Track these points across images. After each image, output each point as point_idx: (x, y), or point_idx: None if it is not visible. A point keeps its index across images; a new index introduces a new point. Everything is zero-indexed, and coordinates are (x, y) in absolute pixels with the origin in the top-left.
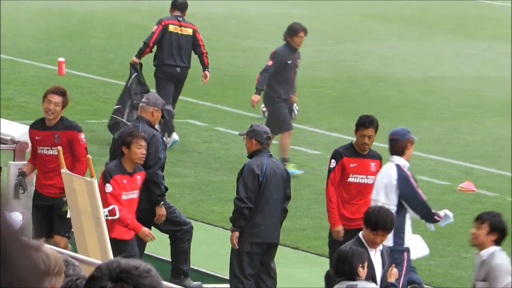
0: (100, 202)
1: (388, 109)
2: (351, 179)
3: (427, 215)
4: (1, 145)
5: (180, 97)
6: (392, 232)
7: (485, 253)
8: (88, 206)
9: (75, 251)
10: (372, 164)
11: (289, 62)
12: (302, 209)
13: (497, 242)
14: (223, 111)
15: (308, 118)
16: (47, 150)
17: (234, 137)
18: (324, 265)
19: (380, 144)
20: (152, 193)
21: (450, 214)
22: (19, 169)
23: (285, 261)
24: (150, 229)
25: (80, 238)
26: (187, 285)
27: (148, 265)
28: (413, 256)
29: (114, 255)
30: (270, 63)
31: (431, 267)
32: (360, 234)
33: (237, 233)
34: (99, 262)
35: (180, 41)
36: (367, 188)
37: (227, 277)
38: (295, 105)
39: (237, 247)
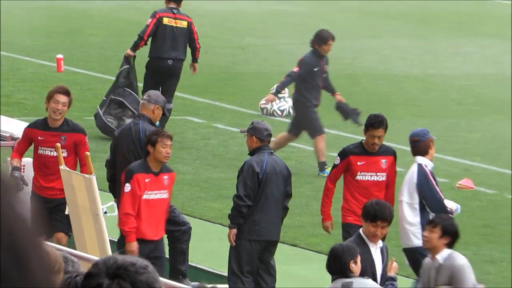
0: (98, 198)
1: (386, 107)
2: (359, 177)
3: (441, 211)
4: (1, 142)
5: (178, 94)
6: (420, 232)
7: (440, 257)
8: (87, 203)
9: (74, 247)
10: (383, 161)
11: (315, 69)
12: (300, 206)
13: (449, 246)
14: (221, 108)
15: None
16: (51, 151)
17: (233, 134)
18: (323, 262)
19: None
20: None
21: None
22: (14, 165)
23: (283, 258)
24: None
25: (79, 234)
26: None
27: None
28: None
29: (142, 255)
30: (296, 69)
31: None
32: (361, 230)
33: (234, 230)
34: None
35: (174, 34)
36: (379, 185)
37: (226, 274)
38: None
39: (234, 244)
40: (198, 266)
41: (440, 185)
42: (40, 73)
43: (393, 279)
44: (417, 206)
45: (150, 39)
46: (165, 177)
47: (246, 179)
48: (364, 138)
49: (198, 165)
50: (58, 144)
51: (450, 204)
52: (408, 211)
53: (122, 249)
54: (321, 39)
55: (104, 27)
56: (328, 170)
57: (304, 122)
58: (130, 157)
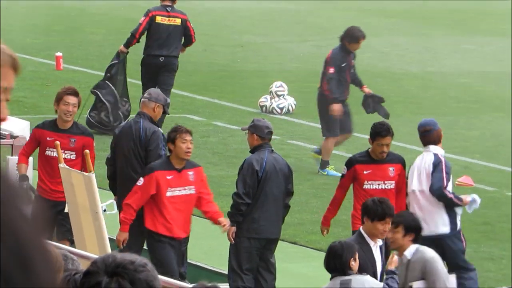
0: (98, 196)
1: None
2: (366, 186)
3: (442, 199)
4: (0, 140)
5: (178, 92)
6: (448, 219)
7: (408, 253)
8: (86, 201)
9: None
10: (391, 168)
11: (343, 65)
12: (300, 203)
13: (415, 241)
14: (221, 105)
15: (307, 113)
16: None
17: (232, 132)
18: (322, 259)
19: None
20: None
21: (478, 199)
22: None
23: (283, 256)
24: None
25: (78, 232)
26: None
27: (144, 260)
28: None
29: (174, 252)
30: (331, 70)
31: None
32: (361, 229)
33: (234, 228)
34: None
35: (167, 32)
36: (387, 194)
37: (225, 271)
38: (293, 99)
39: (233, 242)
40: (198, 264)
41: None
42: (40, 71)
43: (394, 272)
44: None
45: (145, 37)
46: (190, 172)
47: (246, 177)
48: (371, 147)
49: (197, 163)
50: (57, 142)
51: (469, 197)
52: (430, 199)
53: (151, 245)
54: (353, 38)
55: (104, 25)
56: (329, 169)
57: (322, 117)
58: (130, 156)
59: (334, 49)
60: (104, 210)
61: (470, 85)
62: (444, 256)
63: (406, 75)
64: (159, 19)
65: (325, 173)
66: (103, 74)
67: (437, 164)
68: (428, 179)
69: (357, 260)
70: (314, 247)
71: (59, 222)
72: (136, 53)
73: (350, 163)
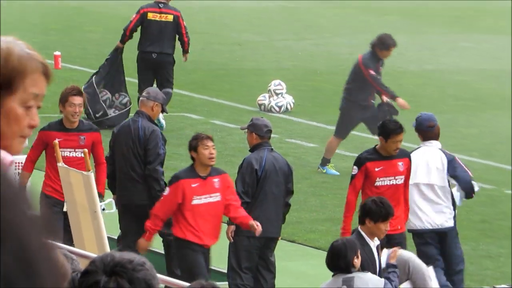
0: (97, 195)
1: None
2: (378, 183)
3: (470, 190)
4: None
5: (176, 90)
6: (453, 212)
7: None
8: (85, 200)
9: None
10: (400, 163)
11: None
12: (298, 202)
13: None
14: (219, 104)
15: (305, 111)
16: (70, 152)
17: (231, 131)
18: (321, 257)
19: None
20: (152, 188)
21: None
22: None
23: (282, 254)
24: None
25: (77, 231)
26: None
27: (143, 258)
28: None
29: (202, 260)
30: (372, 72)
31: None
32: (360, 229)
33: (233, 227)
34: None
35: (159, 28)
36: (398, 189)
37: (225, 270)
38: (291, 98)
39: (232, 240)
40: None
41: None
42: None
43: (395, 266)
44: (448, 188)
45: (139, 34)
46: (215, 180)
47: (245, 176)
48: (378, 144)
49: None
50: (56, 141)
51: (476, 186)
52: (438, 193)
53: (180, 253)
54: (384, 45)
55: (102, 23)
56: (328, 167)
57: (340, 118)
58: (129, 155)
59: (364, 54)
60: (103, 209)
61: (468, 83)
62: (443, 249)
63: (405, 73)
64: (150, 15)
65: (324, 170)
66: None
67: (451, 160)
68: (440, 174)
69: (359, 257)
70: (312, 245)
71: (67, 229)
72: (133, 51)
73: (360, 162)
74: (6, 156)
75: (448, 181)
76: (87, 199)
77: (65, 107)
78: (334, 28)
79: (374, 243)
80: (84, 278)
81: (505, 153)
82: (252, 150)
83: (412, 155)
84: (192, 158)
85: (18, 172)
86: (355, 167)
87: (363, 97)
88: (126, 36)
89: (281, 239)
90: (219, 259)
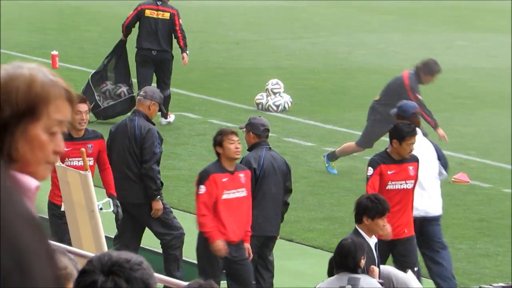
0: (94, 195)
1: None
2: (390, 186)
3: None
4: None
5: (174, 90)
6: (441, 201)
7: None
8: (82, 199)
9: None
10: (410, 168)
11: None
12: (296, 201)
13: None
14: (217, 103)
15: (302, 110)
16: (78, 161)
17: None
18: (319, 256)
19: (356, 132)
20: (148, 187)
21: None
22: None
23: (280, 253)
24: (144, 225)
25: (75, 231)
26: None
27: (140, 258)
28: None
29: (226, 257)
30: (419, 97)
31: None
32: (358, 227)
33: None
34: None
35: (156, 26)
36: (407, 195)
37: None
38: (289, 97)
39: None
40: (194, 262)
41: None
42: None
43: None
44: (438, 176)
45: (137, 31)
46: (241, 175)
47: None
48: (389, 147)
49: (194, 161)
50: (83, 149)
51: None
52: (434, 183)
53: (199, 250)
54: (430, 71)
55: (99, 23)
56: (332, 164)
57: (367, 129)
58: (125, 154)
59: (410, 75)
60: (101, 209)
61: (465, 81)
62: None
63: (402, 71)
64: (148, 12)
65: (326, 164)
66: None
67: (435, 144)
68: (433, 159)
69: (365, 257)
70: (310, 245)
71: None
72: (133, 51)
73: (375, 163)
74: (31, 182)
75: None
76: (85, 198)
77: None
78: (332, 27)
79: (372, 240)
80: (81, 277)
81: (503, 152)
82: (250, 149)
83: None
84: (218, 154)
85: None
86: (370, 168)
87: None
88: (123, 32)
89: (279, 238)
90: None
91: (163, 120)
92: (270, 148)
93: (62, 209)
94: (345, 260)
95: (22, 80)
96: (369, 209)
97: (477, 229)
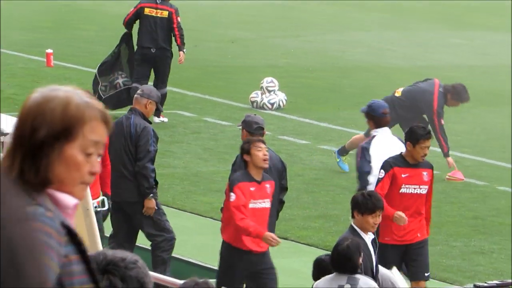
0: (89, 193)
1: (376, 98)
2: (403, 190)
3: None
4: None
5: (168, 88)
6: None
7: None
8: None
9: None
10: (425, 173)
11: (433, 109)
12: (291, 199)
13: None
14: (211, 101)
15: (297, 108)
16: None
17: (223, 128)
18: (313, 254)
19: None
20: (140, 185)
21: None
22: None
23: (274, 251)
24: (137, 223)
25: None
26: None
27: (135, 257)
28: None
29: (250, 267)
30: (442, 121)
31: None
32: (353, 224)
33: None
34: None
35: (155, 24)
36: (421, 198)
37: (217, 267)
38: (283, 95)
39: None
40: (190, 260)
41: None
42: (30, 68)
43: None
44: None
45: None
46: (267, 185)
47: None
48: (404, 151)
49: (188, 159)
50: None
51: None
52: None
53: (260, 266)
54: (458, 97)
55: (94, 21)
56: (343, 160)
57: None
58: (121, 152)
59: (439, 94)
60: (96, 207)
61: (460, 79)
62: None
63: (396, 69)
64: (147, 11)
65: (338, 159)
66: (94, 70)
67: (404, 142)
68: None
69: (362, 255)
70: (305, 243)
71: None
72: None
73: (388, 166)
74: (70, 200)
75: None
76: None
77: None
78: (327, 25)
79: (368, 237)
80: None
81: (497, 149)
82: None
83: (372, 144)
84: (245, 162)
85: None
86: (382, 171)
87: (407, 119)
88: (126, 27)
89: None
90: (212, 256)
91: (156, 119)
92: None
93: None
94: (344, 264)
95: (58, 101)
96: (359, 204)
97: (471, 226)
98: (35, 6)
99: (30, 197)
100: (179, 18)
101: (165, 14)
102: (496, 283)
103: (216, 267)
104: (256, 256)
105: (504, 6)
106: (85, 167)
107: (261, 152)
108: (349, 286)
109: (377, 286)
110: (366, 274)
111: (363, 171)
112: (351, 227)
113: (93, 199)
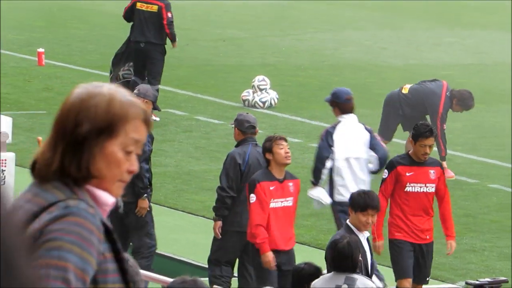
0: None
1: (368, 97)
2: (408, 188)
3: (384, 163)
4: None
5: (160, 86)
6: (354, 188)
7: None
8: None
9: None
10: (431, 171)
11: (438, 112)
12: None
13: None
14: (203, 100)
15: (289, 107)
16: None
17: (215, 126)
18: (305, 253)
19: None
20: (135, 185)
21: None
22: None
23: None
24: (128, 222)
25: None
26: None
27: (126, 255)
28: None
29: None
30: (445, 127)
31: None
32: (348, 222)
33: (220, 223)
34: None
35: (144, 18)
36: (428, 197)
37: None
38: (275, 93)
39: (219, 236)
40: (181, 258)
41: None
42: (21, 67)
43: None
44: (367, 161)
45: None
46: (290, 184)
47: (229, 171)
48: (411, 150)
49: (180, 157)
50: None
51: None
52: (363, 167)
53: (256, 261)
54: (463, 104)
55: (86, 20)
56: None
57: (384, 122)
58: None
59: (446, 99)
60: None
61: (452, 77)
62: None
63: (389, 68)
64: (138, 5)
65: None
66: (85, 69)
67: (371, 132)
68: (365, 147)
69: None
70: (297, 241)
71: None
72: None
73: (391, 165)
74: (108, 197)
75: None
76: None
77: None
78: (319, 23)
79: (364, 235)
80: None
81: (488, 147)
82: (237, 145)
83: (337, 129)
84: (267, 161)
85: (3, 170)
86: (386, 170)
87: (411, 115)
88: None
89: None
90: (203, 254)
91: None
92: (256, 144)
93: None
94: (344, 262)
95: (101, 98)
96: (353, 200)
97: (463, 224)
98: (27, 5)
99: (71, 191)
100: (169, 14)
101: (155, 8)
102: (488, 281)
103: (207, 265)
104: (280, 254)
105: (497, 4)
106: (124, 164)
107: (283, 150)
108: (346, 286)
109: (374, 286)
110: (361, 272)
111: (322, 154)
112: (346, 225)
113: None
